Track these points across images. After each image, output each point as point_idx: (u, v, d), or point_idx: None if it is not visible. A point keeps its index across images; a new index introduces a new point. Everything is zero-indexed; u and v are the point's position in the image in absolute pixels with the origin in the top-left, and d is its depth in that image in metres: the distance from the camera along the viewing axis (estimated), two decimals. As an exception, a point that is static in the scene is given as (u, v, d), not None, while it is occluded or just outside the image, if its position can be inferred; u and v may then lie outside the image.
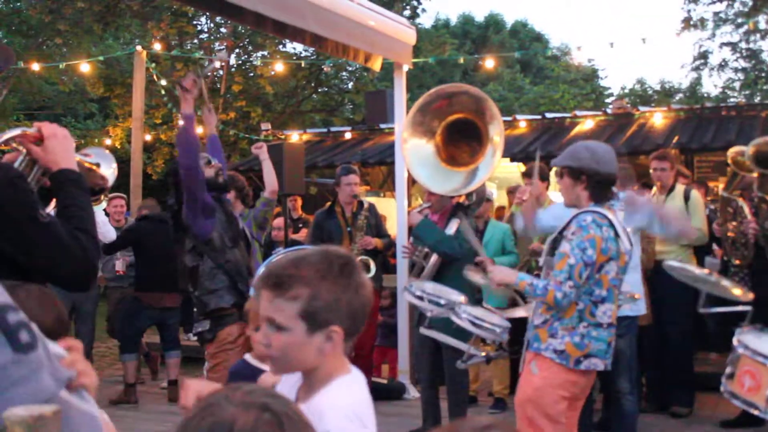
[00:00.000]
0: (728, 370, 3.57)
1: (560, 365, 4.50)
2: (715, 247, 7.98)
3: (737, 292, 5.66)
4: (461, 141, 6.17)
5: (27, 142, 2.87)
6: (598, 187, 4.62)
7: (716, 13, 22.39)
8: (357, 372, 2.35)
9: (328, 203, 8.33)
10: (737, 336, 3.63)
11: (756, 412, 3.36)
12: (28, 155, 2.89)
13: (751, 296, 5.50)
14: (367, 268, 7.78)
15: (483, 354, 5.00)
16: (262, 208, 7.54)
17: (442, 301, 4.93)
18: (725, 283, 5.68)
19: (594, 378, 4.79)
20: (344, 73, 22.08)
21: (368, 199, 9.31)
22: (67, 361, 1.72)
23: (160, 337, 9.40)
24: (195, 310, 5.84)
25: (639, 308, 6.26)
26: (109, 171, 3.44)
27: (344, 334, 2.23)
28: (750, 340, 3.59)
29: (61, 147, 2.87)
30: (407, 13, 20.83)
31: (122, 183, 14.97)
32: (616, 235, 4.54)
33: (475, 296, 5.63)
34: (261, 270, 5.44)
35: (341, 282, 2.22)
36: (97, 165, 3.33)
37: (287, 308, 2.16)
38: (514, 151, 13.05)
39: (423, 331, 5.21)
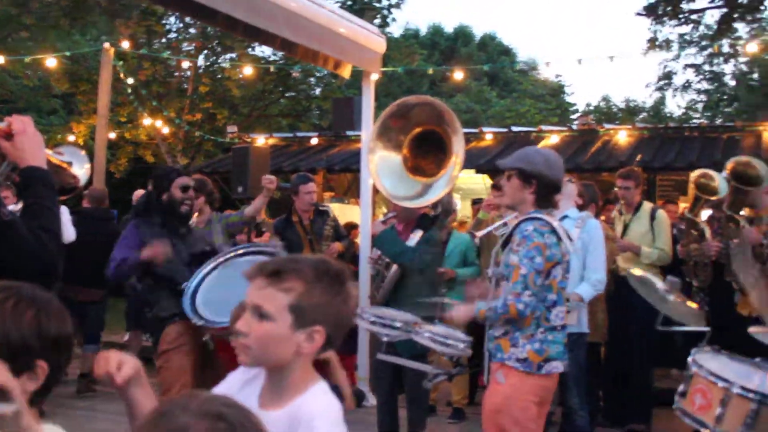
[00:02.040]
0: (681, 388, 3.63)
1: (526, 372, 4.55)
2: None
3: (691, 316, 5.74)
4: (429, 152, 6.19)
5: None
6: (545, 192, 4.67)
7: (681, 35, 22.67)
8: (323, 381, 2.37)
9: (286, 213, 8.28)
10: (693, 356, 3.69)
11: (705, 431, 3.41)
12: None
13: (703, 322, 5.60)
14: None
15: (445, 373, 5.02)
16: (239, 224, 7.60)
17: (398, 324, 4.92)
18: (680, 307, 5.75)
19: (557, 381, 4.83)
20: (312, 79, 22.06)
21: (332, 206, 9.31)
22: None
23: (81, 331, 9.21)
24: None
25: (582, 324, 6.31)
26: (81, 171, 3.42)
27: (324, 340, 2.25)
28: (704, 359, 3.65)
29: (30, 143, 2.84)
30: (377, 21, 20.84)
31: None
32: (559, 239, 4.62)
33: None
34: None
35: (335, 288, 2.26)
36: (69, 164, 3.30)
37: (279, 298, 2.19)
38: (480, 162, 13.14)
39: (380, 356, 5.18)
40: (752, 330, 4.34)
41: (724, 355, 3.88)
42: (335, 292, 2.27)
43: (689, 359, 3.65)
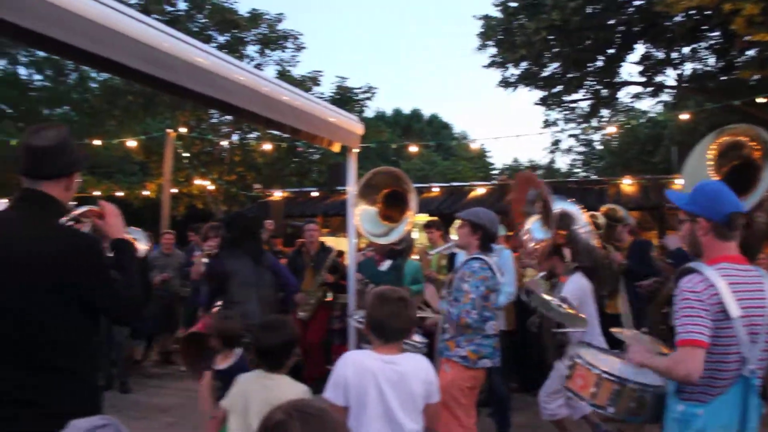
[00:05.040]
0: (567, 373, 3.62)
1: (464, 366, 4.59)
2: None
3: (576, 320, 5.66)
4: (395, 204, 6.23)
5: (92, 216, 2.83)
6: (486, 240, 4.73)
7: (565, 116, 23.03)
8: None
9: (299, 243, 8.21)
10: (573, 350, 3.69)
11: (583, 403, 3.43)
12: (93, 226, 2.83)
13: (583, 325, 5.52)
14: (325, 294, 7.86)
15: None
16: None
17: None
18: (568, 315, 5.67)
19: (486, 372, 4.83)
20: (312, 149, 22.03)
21: (328, 239, 9.27)
22: None
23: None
24: None
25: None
26: (143, 246, 3.32)
27: None
28: (582, 352, 3.66)
29: (116, 221, 2.82)
30: (357, 109, 21.00)
31: (156, 221, 14.82)
32: (494, 273, 4.65)
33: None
34: None
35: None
36: (135, 239, 3.25)
37: None
38: (430, 208, 13.21)
39: (364, 346, 5.15)
40: (613, 330, 4.37)
41: (594, 348, 3.90)
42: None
43: (571, 353, 3.64)
